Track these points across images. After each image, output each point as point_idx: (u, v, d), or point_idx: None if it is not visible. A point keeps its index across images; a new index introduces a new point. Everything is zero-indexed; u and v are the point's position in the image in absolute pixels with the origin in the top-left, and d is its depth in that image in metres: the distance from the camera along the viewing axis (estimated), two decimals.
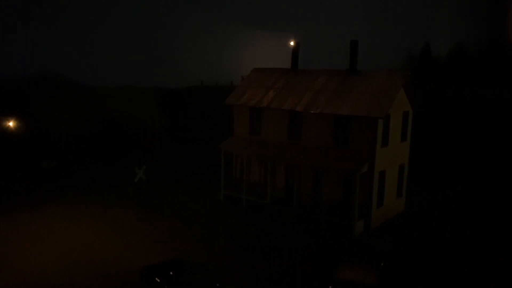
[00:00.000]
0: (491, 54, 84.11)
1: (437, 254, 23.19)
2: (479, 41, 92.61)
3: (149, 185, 33.25)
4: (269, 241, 24.62)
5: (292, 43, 32.34)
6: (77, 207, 29.85)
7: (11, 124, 47.53)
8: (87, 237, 24.67)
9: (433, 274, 20.90)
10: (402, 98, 28.00)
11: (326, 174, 26.78)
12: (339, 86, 28.43)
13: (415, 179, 35.11)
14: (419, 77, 65.74)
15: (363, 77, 28.26)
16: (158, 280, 17.88)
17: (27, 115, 53.01)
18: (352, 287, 17.56)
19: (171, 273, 18.13)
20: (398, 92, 26.55)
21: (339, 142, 27.03)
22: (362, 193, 25.64)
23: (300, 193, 28.37)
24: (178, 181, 37.52)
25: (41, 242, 23.86)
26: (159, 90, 73.87)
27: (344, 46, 30.42)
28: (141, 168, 30.77)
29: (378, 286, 17.77)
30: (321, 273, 20.39)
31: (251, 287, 19.47)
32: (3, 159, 43.05)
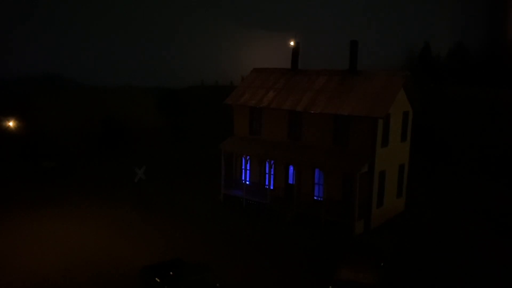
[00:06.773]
0: (491, 54, 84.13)
1: (437, 254, 23.18)
2: (479, 41, 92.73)
3: (149, 185, 33.28)
4: (269, 241, 24.62)
5: (292, 43, 32.32)
6: (77, 207, 29.84)
7: (11, 124, 47.55)
8: (87, 237, 24.67)
9: (433, 274, 20.89)
10: (402, 98, 28.00)
11: (326, 174, 26.79)
12: (339, 86, 28.43)
13: (415, 179, 35.12)
14: (419, 77, 65.70)
15: (363, 77, 28.25)
16: (158, 280, 17.89)
17: (27, 115, 53.01)
18: (352, 287, 17.56)
19: (171, 273, 18.13)
20: (398, 92, 26.54)
21: (339, 142, 27.03)
22: (362, 193, 25.66)
23: (300, 193, 28.38)
24: (178, 181, 37.51)
25: (41, 242, 23.86)
26: (159, 90, 73.83)
27: (344, 46, 30.44)
28: (141, 168, 30.80)
29: (378, 286, 17.78)
30: (321, 273, 20.40)
31: (251, 287, 19.49)
32: (3, 159, 43.04)
